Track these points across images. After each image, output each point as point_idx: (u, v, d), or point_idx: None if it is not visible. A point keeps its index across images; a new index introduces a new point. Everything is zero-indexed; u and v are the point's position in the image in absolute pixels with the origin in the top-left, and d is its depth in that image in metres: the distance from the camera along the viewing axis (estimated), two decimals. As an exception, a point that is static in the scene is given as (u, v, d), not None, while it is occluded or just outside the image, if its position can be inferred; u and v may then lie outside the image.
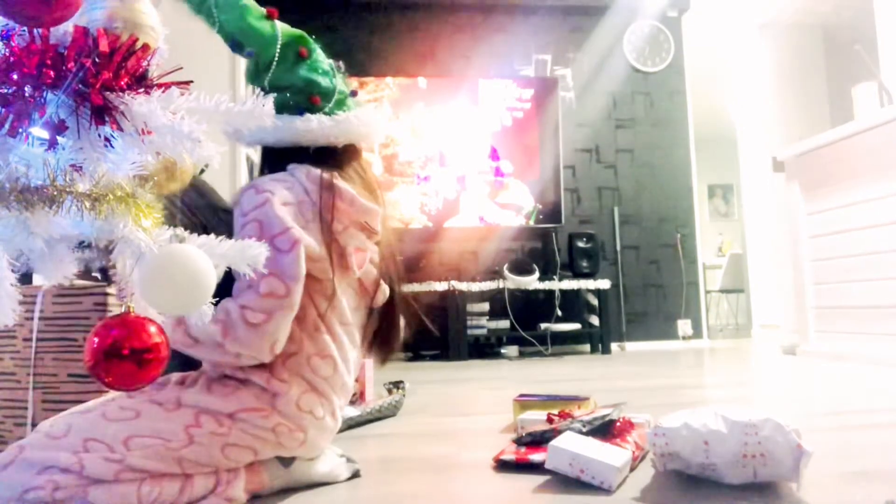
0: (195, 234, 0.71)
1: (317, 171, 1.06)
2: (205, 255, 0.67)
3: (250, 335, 0.94)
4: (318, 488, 1.08)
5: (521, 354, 3.95)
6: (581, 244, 4.01)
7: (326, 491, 1.07)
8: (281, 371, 1.01)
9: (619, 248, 4.38)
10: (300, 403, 1.00)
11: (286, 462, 1.06)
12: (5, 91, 0.58)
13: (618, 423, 1.28)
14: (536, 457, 1.16)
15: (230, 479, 0.97)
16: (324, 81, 1.11)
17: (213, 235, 0.72)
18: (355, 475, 1.14)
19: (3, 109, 0.58)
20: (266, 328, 0.94)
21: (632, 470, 1.12)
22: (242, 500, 0.99)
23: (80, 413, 0.93)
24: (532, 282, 3.79)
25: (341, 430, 1.54)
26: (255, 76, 1.11)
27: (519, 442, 1.27)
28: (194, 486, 0.93)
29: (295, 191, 1.04)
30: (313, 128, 1.08)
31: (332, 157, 1.12)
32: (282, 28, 1.10)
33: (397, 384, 1.97)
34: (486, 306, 3.87)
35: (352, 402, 1.73)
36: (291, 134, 1.08)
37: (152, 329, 0.68)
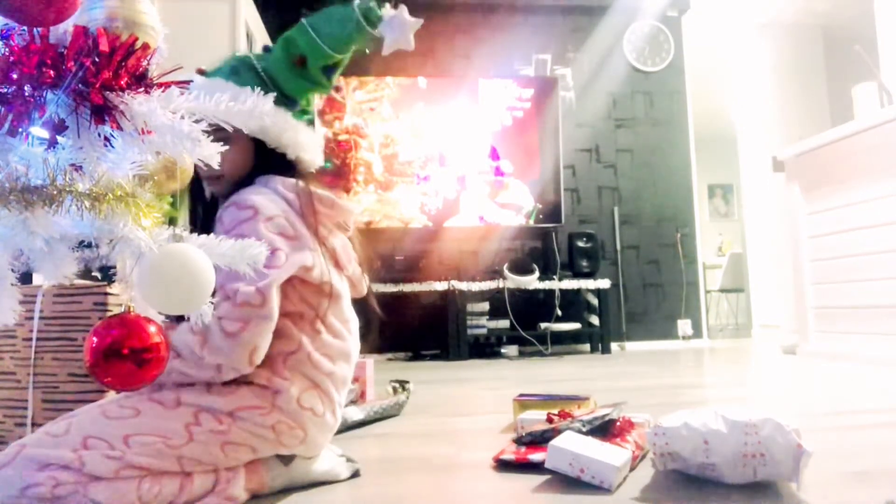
0: (195, 234, 0.71)
1: (291, 180, 1.08)
2: (204, 255, 0.67)
3: (228, 344, 0.93)
4: (318, 488, 1.08)
5: (521, 354, 3.95)
6: (581, 244, 4.01)
7: (326, 491, 1.07)
8: (282, 369, 1.01)
9: (619, 247, 4.38)
10: (301, 400, 1.00)
11: (286, 460, 1.06)
12: (5, 91, 0.58)
13: (618, 423, 1.28)
14: (536, 456, 1.16)
15: (230, 478, 0.97)
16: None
17: (212, 235, 0.72)
18: (355, 475, 1.14)
19: (3, 109, 0.58)
20: (242, 336, 0.93)
21: (632, 469, 1.12)
22: (243, 499, 0.99)
23: (80, 412, 0.93)
24: (532, 281, 3.79)
25: (342, 431, 1.54)
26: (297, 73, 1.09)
27: (519, 442, 1.27)
28: (194, 485, 0.93)
29: (277, 202, 1.04)
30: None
31: (294, 166, 1.13)
32: None
33: (403, 384, 1.96)
34: (486, 306, 3.87)
35: (353, 402, 1.73)
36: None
37: (152, 329, 0.68)
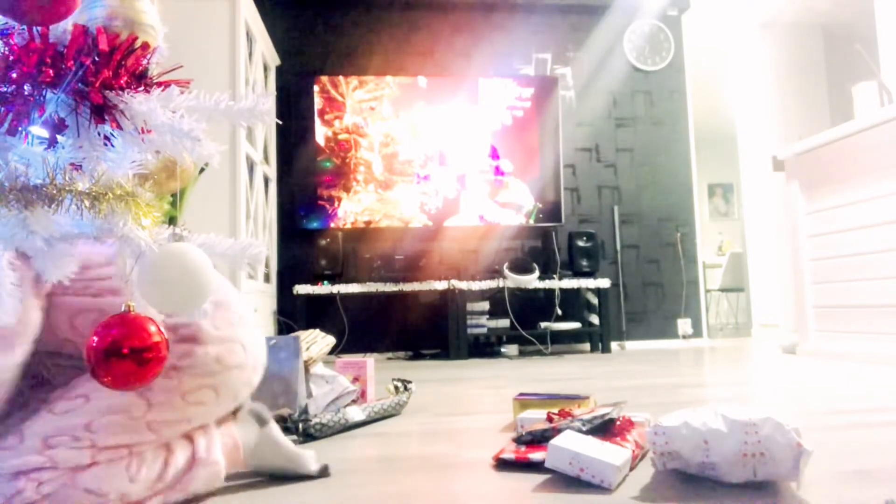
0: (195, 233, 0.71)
1: None
2: (204, 254, 0.67)
3: None
4: (317, 487, 1.08)
5: (521, 353, 3.95)
6: (581, 243, 4.01)
7: (325, 490, 1.07)
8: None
9: (619, 247, 4.38)
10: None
11: (262, 422, 1.10)
12: (5, 90, 0.58)
13: (618, 422, 1.28)
14: (536, 455, 1.16)
15: (207, 444, 0.99)
16: None
17: (212, 234, 0.72)
18: (324, 472, 1.14)
19: (3, 108, 0.58)
20: None
21: (632, 469, 1.12)
22: (222, 464, 1.00)
23: (27, 421, 0.89)
24: (532, 281, 3.79)
25: (343, 430, 1.54)
26: None
27: (519, 441, 1.27)
28: (176, 458, 0.94)
29: None
30: None
31: None
32: None
33: (405, 383, 1.96)
34: (486, 305, 3.87)
35: (353, 402, 1.73)
36: None
37: (152, 328, 0.68)
